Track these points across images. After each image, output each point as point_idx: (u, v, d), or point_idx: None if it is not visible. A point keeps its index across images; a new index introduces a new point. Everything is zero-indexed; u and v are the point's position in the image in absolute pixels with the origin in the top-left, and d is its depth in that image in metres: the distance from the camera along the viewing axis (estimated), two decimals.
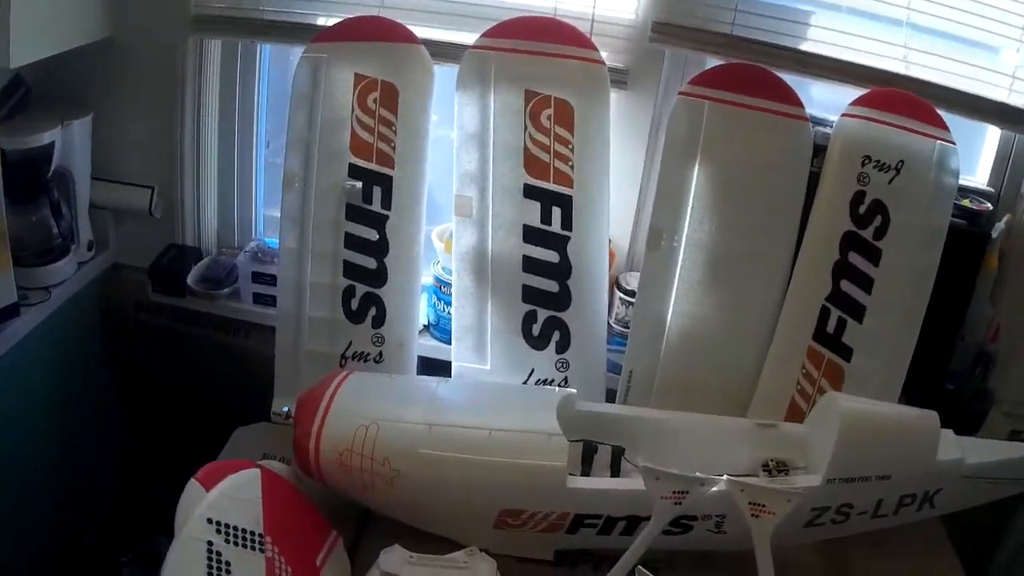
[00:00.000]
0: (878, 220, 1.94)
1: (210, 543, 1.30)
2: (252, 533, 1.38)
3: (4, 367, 2.03)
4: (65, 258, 2.22)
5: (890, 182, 1.93)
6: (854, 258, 1.94)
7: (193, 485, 1.43)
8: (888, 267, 1.94)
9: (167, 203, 2.33)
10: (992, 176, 2.28)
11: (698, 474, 1.54)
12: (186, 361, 2.42)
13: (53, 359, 2.25)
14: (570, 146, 1.92)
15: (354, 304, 1.95)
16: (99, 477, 2.56)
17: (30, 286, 2.11)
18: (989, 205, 2.18)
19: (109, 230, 2.38)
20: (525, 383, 1.97)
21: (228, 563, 1.30)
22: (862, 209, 1.94)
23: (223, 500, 1.38)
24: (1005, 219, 2.19)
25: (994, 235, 2.17)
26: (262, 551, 1.38)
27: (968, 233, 2.10)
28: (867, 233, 1.94)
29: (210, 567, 1.28)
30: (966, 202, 2.14)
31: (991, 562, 2.54)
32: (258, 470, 1.49)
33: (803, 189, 1.95)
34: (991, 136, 2.27)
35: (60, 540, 2.40)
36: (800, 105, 1.94)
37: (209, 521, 1.33)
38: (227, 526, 1.35)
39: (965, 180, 2.15)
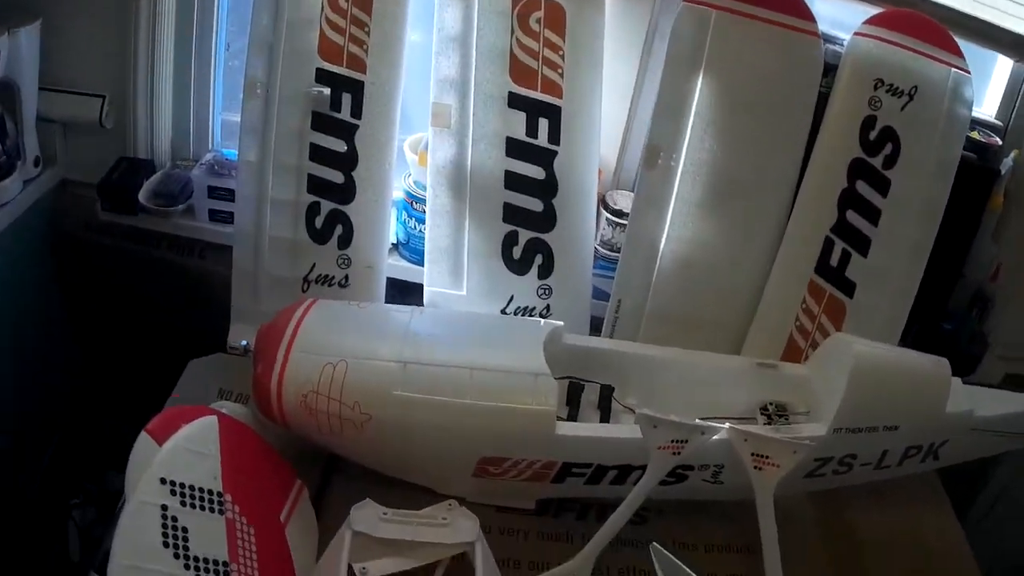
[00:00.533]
0: (888, 148, 1.87)
1: (165, 507, 1.23)
2: (210, 492, 1.31)
3: None
4: (10, 176, 2.09)
5: (903, 108, 1.87)
6: (862, 187, 1.88)
7: (144, 439, 1.34)
8: (896, 199, 1.88)
9: (119, 113, 2.20)
10: (1000, 110, 2.24)
11: (698, 421, 1.50)
12: (138, 284, 2.31)
13: None
14: (560, 52, 1.83)
15: (318, 222, 1.84)
16: (48, 410, 2.47)
17: None
18: (998, 139, 2.16)
19: (57, 144, 2.24)
20: (504, 311, 1.88)
21: (185, 529, 1.24)
22: (872, 135, 1.87)
23: (177, 455, 1.31)
24: (1013, 154, 2.17)
25: (1002, 171, 2.15)
26: (221, 512, 1.31)
27: (976, 167, 2.07)
28: (876, 161, 1.87)
29: (165, 535, 1.21)
30: (975, 134, 2.11)
31: (973, 504, 2.63)
32: (215, 418, 1.41)
33: (811, 110, 1.88)
34: (1000, 68, 2.23)
35: (7, 481, 2.33)
36: (812, 20, 1.85)
37: (163, 481, 1.26)
38: (182, 486, 1.28)
39: (974, 112, 2.11)
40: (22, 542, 2.36)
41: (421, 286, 1.91)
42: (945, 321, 2.27)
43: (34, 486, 2.42)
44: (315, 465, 1.63)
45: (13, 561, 2.32)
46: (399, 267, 2.09)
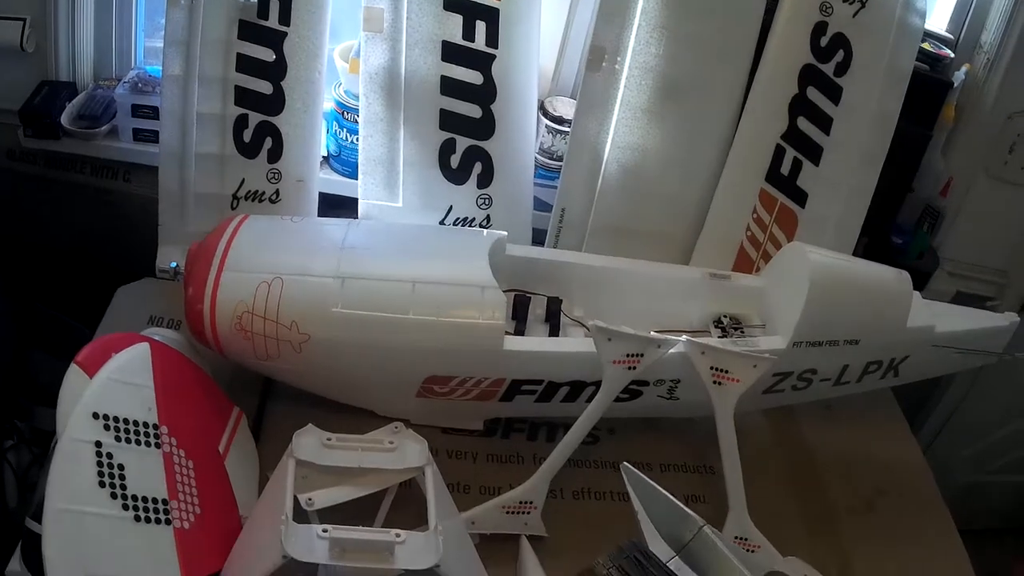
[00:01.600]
0: (840, 55, 1.86)
1: (99, 443, 1.20)
2: (145, 424, 1.28)
3: None
4: None
5: (854, 15, 1.86)
6: (813, 94, 1.86)
7: (74, 370, 1.30)
8: (849, 106, 1.88)
9: (39, 36, 2.12)
10: (951, 22, 2.27)
11: (655, 334, 1.47)
12: (63, 212, 2.26)
13: None
14: None
15: (247, 136, 1.78)
16: None
17: None
18: (949, 52, 2.18)
19: None
20: (442, 222, 1.84)
21: (121, 466, 1.21)
22: (823, 42, 1.85)
23: (109, 387, 1.27)
24: (965, 68, 2.19)
25: (955, 83, 2.16)
26: (158, 446, 1.29)
27: (929, 78, 2.09)
28: (828, 68, 1.86)
29: (101, 474, 1.18)
30: (926, 45, 2.13)
31: (922, 427, 2.72)
32: (147, 344, 1.37)
33: (760, 15, 1.85)
34: None
35: None
36: None
37: (95, 416, 1.22)
38: (116, 419, 1.24)
39: (929, 26, 2.16)
40: None
41: (355, 200, 1.87)
42: (895, 235, 2.28)
43: None
44: (252, 391, 1.60)
45: None
46: (331, 181, 2.05)
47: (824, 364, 1.66)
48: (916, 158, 2.15)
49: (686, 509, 1.36)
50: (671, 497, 1.36)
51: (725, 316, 1.73)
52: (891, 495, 1.76)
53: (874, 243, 2.07)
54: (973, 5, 2.21)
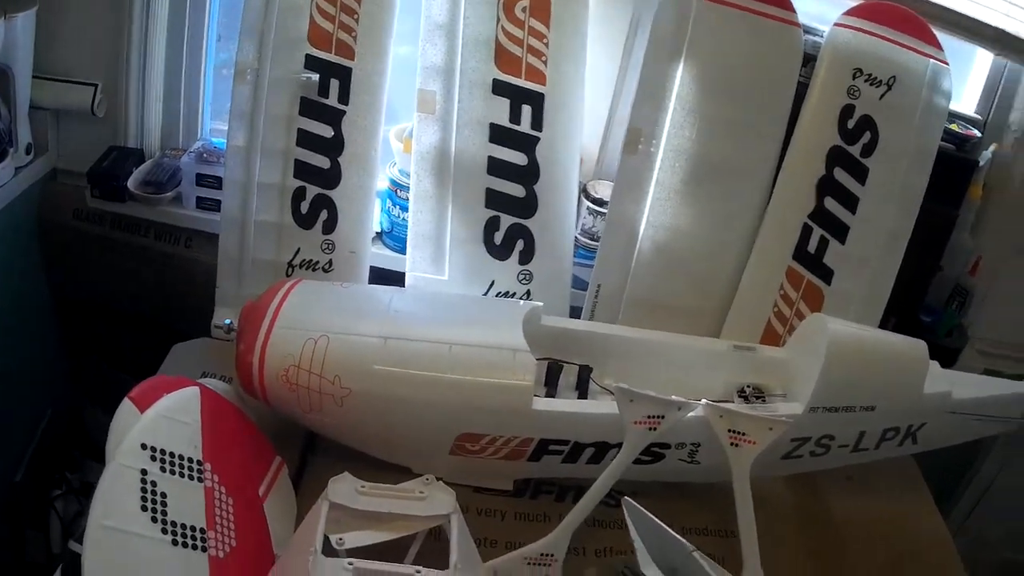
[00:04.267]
0: (866, 136, 1.92)
1: (144, 471, 1.25)
2: (190, 460, 1.33)
3: None
4: (2, 163, 2.11)
5: (881, 98, 1.91)
6: (840, 175, 1.92)
7: (126, 405, 1.36)
8: (874, 186, 1.93)
9: (110, 102, 2.23)
10: (980, 104, 2.30)
11: (675, 397, 1.50)
12: (124, 273, 2.33)
13: None
14: (545, 40, 1.87)
15: (304, 207, 1.88)
16: (33, 401, 2.47)
17: None
18: (977, 132, 2.21)
19: (49, 132, 2.25)
20: (485, 295, 1.90)
21: (164, 495, 1.25)
22: (851, 124, 1.92)
23: (159, 422, 1.32)
24: (992, 147, 2.21)
25: (981, 163, 2.19)
26: (200, 480, 1.34)
27: (955, 158, 2.13)
28: (855, 149, 1.92)
29: (144, 499, 1.23)
30: (954, 126, 2.16)
31: (958, 502, 2.61)
32: (197, 388, 1.44)
33: (790, 98, 1.93)
34: (980, 63, 2.28)
35: None
36: (792, 10, 1.90)
37: (143, 447, 1.27)
38: (163, 452, 1.29)
39: (952, 105, 2.14)
40: (4, 530, 2.37)
41: (403, 274, 1.93)
42: (924, 314, 2.30)
43: (18, 473, 2.40)
44: (294, 445, 1.65)
45: None
46: (382, 255, 2.12)
47: (841, 430, 1.69)
48: (944, 237, 2.18)
49: (679, 537, 1.41)
50: (665, 527, 1.41)
51: (749, 386, 1.76)
52: (913, 565, 1.76)
53: (903, 321, 2.06)
54: (1001, 86, 2.24)
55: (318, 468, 1.61)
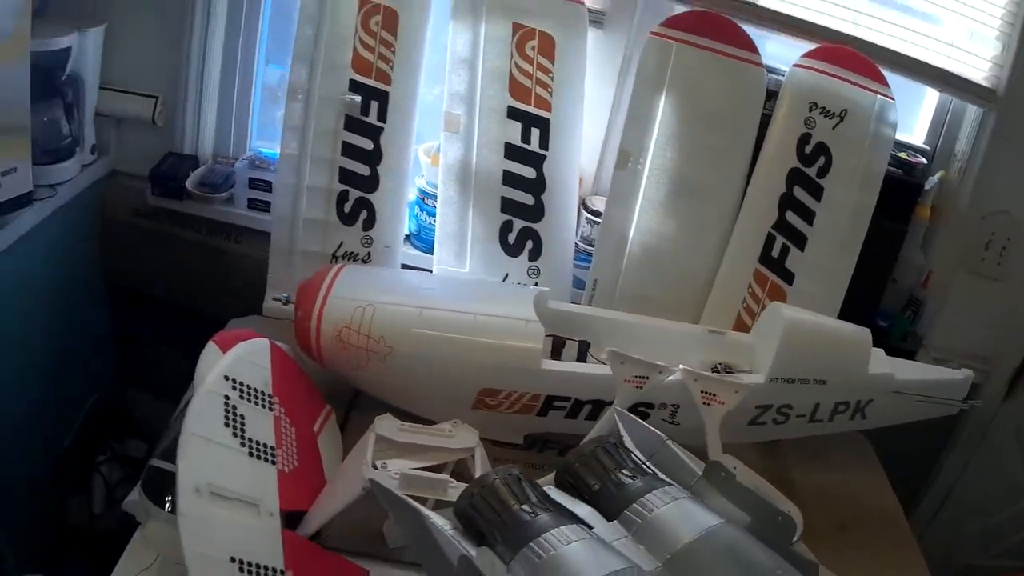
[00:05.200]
0: (821, 160, 2.08)
1: (227, 397, 1.39)
2: (263, 393, 1.48)
3: (8, 258, 2.05)
4: (71, 159, 2.26)
5: (834, 127, 2.07)
6: (799, 192, 2.08)
7: (211, 347, 1.55)
8: (829, 202, 2.08)
9: (169, 112, 2.40)
10: (928, 135, 2.46)
11: (658, 362, 1.67)
12: (176, 265, 2.49)
13: (51, 256, 2.28)
14: (550, 74, 2.06)
15: (347, 207, 2.04)
16: (82, 380, 2.55)
17: (38, 183, 2.12)
18: (923, 160, 2.37)
19: (111, 136, 2.42)
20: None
21: (243, 416, 1.39)
22: (808, 149, 2.08)
23: (239, 361, 1.47)
24: (939, 174, 2.37)
25: (927, 186, 2.34)
26: (270, 410, 1.48)
27: (903, 182, 2.29)
28: (811, 171, 2.08)
29: (227, 417, 1.37)
30: (903, 155, 2.31)
31: (925, 495, 2.75)
32: (267, 340, 1.59)
33: (755, 127, 2.10)
34: (929, 100, 2.44)
35: (39, 441, 2.38)
36: (757, 52, 2.07)
37: (226, 378, 1.42)
38: (241, 384, 1.44)
39: (904, 137, 2.34)
40: (49, 492, 2.45)
41: (430, 271, 2.11)
42: (881, 319, 2.43)
43: (66, 442, 2.48)
44: (340, 400, 1.80)
45: (38, 511, 2.39)
46: (410, 254, 2.28)
47: (798, 400, 1.84)
48: (894, 250, 2.34)
49: (655, 430, 1.48)
50: (644, 423, 1.50)
51: (720, 363, 1.92)
52: (863, 529, 1.88)
53: (860, 324, 2.01)
54: (948, 119, 2.39)
55: (360, 420, 1.74)
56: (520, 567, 1.09)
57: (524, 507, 1.15)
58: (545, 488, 1.25)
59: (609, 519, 1.26)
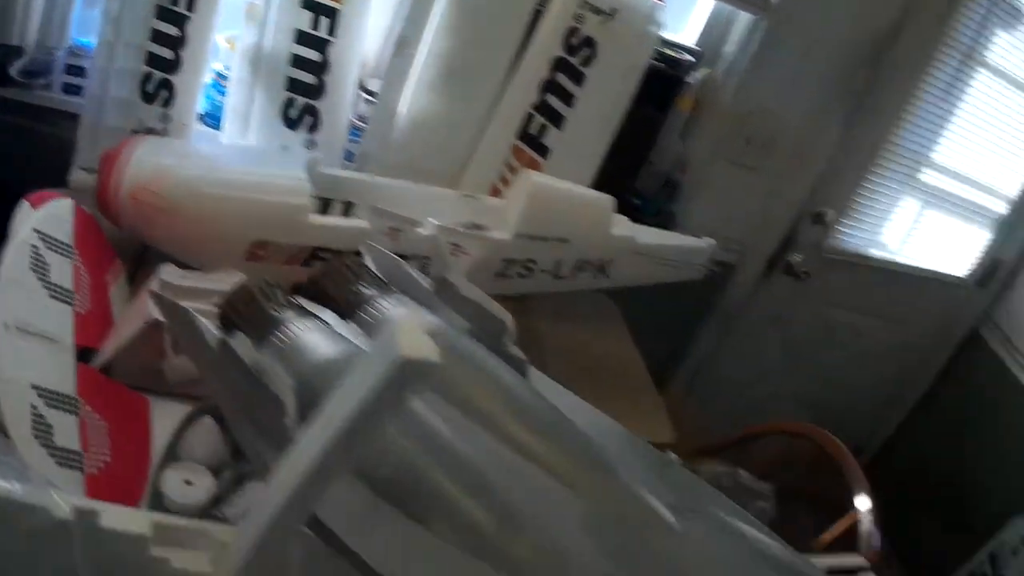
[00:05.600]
0: (586, 51, 2.23)
1: (35, 246, 1.53)
2: (65, 244, 1.63)
3: None
4: None
5: (602, 23, 2.21)
6: (561, 78, 2.25)
7: (24, 205, 1.67)
8: (589, 88, 2.25)
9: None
10: (701, 37, 2.82)
11: (409, 215, 1.85)
12: None
13: None
14: None
15: (150, 87, 2.11)
16: None
17: None
18: (690, 57, 2.68)
19: None
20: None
21: (47, 263, 1.55)
22: (575, 41, 2.22)
23: (48, 217, 1.63)
24: (702, 71, 2.65)
25: (690, 81, 2.60)
26: (70, 259, 1.64)
27: (666, 76, 2.59)
28: (575, 60, 2.24)
29: (33, 265, 1.51)
30: (672, 52, 2.62)
31: (678, 367, 3.16)
32: (72, 200, 1.75)
33: (526, 19, 2.24)
34: (704, 5, 2.80)
35: None
36: None
37: (36, 231, 1.55)
38: (48, 236, 1.58)
39: (679, 38, 2.58)
40: None
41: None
42: (636, 198, 2.73)
43: None
44: (129, 258, 1.93)
45: None
46: (205, 133, 2.35)
47: (541, 256, 2.00)
48: (653, 135, 2.65)
49: (393, 255, 1.51)
50: (385, 250, 1.53)
51: (472, 223, 2.04)
52: (606, 374, 2.08)
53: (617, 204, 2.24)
54: (724, 25, 2.69)
55: (146, 276, 1.83)
56: (269, 354, 1.25)
57: (273, 305, 1.31)
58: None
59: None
